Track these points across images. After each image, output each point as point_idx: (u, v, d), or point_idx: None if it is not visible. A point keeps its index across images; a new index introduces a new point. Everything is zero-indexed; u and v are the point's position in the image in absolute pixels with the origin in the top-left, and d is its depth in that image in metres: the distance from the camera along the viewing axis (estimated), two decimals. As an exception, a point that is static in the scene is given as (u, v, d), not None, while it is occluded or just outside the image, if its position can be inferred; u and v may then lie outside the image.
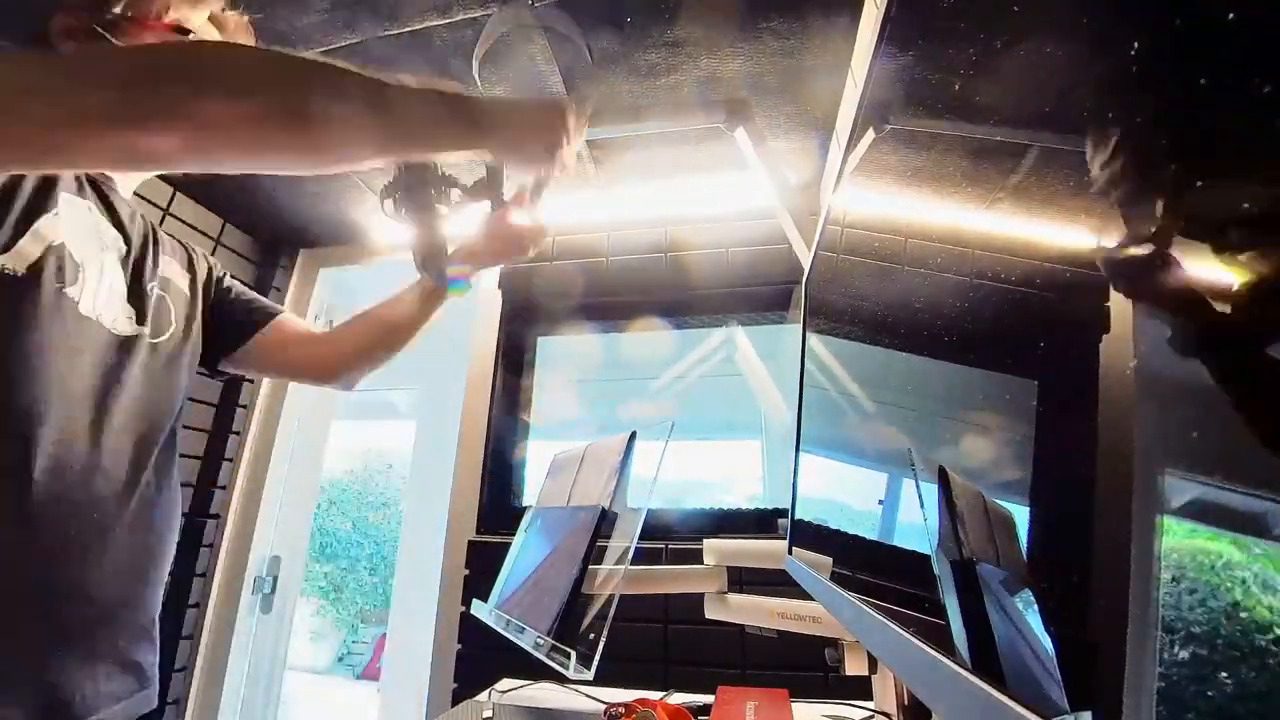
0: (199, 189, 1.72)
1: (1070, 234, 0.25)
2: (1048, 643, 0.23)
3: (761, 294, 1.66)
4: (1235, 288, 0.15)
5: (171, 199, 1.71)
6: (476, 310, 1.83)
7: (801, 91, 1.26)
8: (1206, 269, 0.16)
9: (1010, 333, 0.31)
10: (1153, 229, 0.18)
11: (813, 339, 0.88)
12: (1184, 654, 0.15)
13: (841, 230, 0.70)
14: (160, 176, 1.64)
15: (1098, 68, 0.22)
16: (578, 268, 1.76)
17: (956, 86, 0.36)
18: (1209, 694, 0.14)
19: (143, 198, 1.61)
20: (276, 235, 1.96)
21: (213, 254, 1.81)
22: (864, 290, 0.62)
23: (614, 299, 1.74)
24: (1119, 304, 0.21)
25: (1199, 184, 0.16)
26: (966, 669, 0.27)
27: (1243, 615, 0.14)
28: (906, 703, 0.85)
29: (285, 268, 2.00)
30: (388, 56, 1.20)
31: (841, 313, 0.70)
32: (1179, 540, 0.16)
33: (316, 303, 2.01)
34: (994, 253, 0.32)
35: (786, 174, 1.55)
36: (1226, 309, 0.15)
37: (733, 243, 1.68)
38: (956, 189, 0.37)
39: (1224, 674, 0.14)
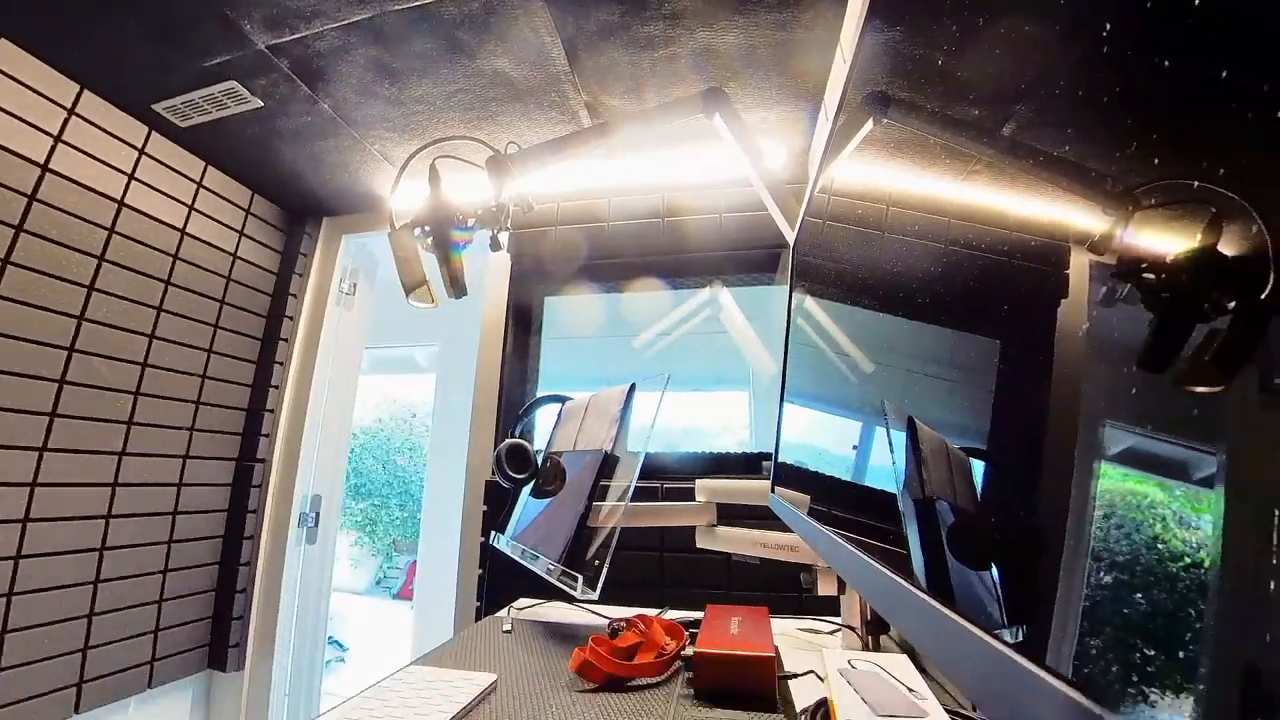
0: (228, 162, 1.68)
1: (1038, 206, 0.24)
2: (993, 569, 0.24)
3: (751, 257, 1.64)
4: (1172, 261, 0.15)
5: (204, 172, 1.67)
6: (488, 272, 1.81)
7: (793, 63, 1.21)
8: (1152, 244, 0.16)
9: (978, 296, 0.31)
10: (1112, 204, 0.18)
11: (798, 299, 0.87)
12: (1108, 578, 0.16)
13: (829, 198, 0.68)
14: (191, 150, 1.61)
15: (1071, 46, 0.22)
16: (580, 232, 1.73)
17: (939, 62, 0.34)
18: (1125, 612, 0.15)
19: (177, 171, 1.59)
20: (301, 205, 1.91)
21: (244, 223, 1.80)
22: (846, 255, 0.61)
23: (614, 261, 1.71)
24: (1078, 272, 0.21)
25: (1155, 162, 0.16)
26: (922, 590, 0.28)
27: (1160, 546, 0.14)
28: (869, 618, 0.89)
29: (311, 235, 1.97)
30: (397, 30, 1.15)
31: (825, 275, 0.70)
32: (1113, 483, 0.17)
33: (340, 267, 1.99)
34: (967, 221, 0.32)
35: (775, 147, 1.51)
36: (1166, 280, 0.15)
37: (726, 208, 1.64)
38: (936, 161, 0.37)
39: (1139, 595, 0.15)
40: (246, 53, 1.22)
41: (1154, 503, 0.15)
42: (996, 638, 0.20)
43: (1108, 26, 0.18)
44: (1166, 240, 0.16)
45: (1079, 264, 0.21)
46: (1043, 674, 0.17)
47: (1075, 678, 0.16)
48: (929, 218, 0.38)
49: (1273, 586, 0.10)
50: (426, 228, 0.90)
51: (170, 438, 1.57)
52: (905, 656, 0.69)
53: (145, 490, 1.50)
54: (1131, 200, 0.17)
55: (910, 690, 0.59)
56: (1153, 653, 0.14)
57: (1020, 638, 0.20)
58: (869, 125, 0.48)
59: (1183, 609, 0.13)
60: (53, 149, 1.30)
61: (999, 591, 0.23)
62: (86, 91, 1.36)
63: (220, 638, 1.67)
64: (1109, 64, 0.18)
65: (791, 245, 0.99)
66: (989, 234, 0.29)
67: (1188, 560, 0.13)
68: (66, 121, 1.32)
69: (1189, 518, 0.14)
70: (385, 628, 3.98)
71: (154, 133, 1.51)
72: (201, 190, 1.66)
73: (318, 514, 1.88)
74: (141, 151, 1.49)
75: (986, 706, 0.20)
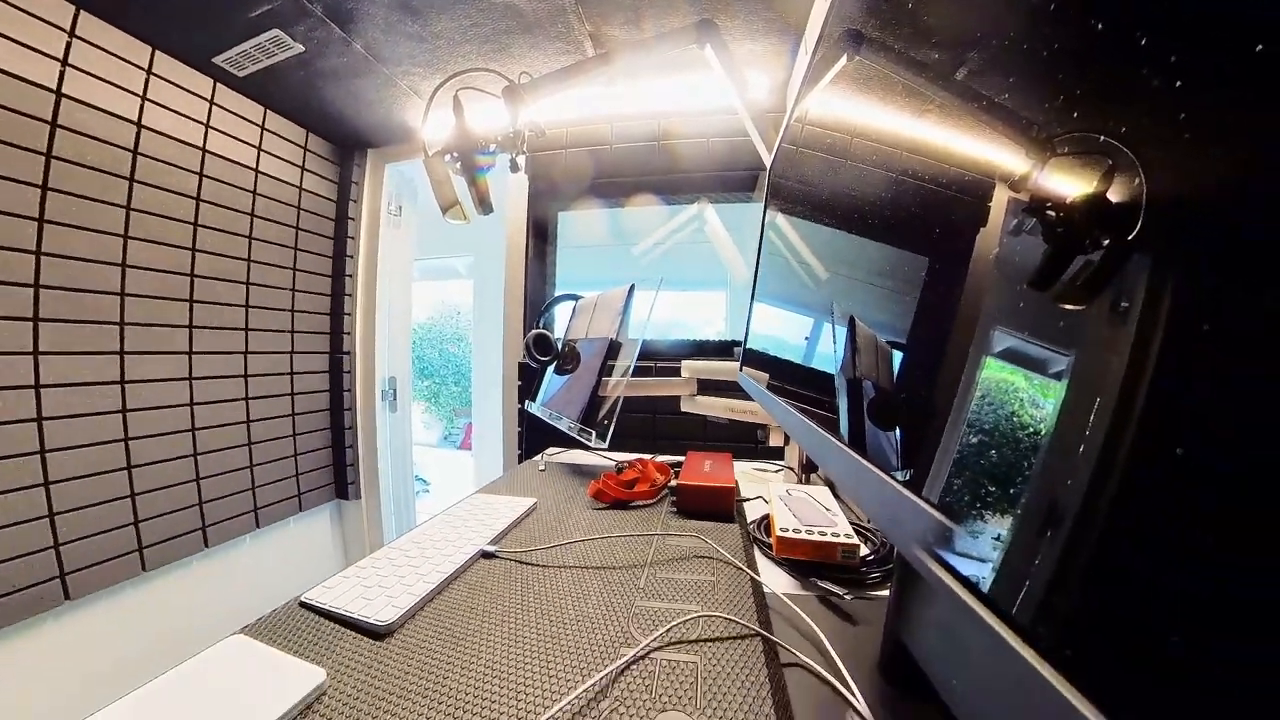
0: (283, 105, 1.51)
1: (975, 145, 0.23)
2: (896, 430, 0.27)
3: (734, 178, 1.53)
4: (1069, 203, 0.15)
5: (264, 116, 1.51)
6: (509, 192, 1.70)
7: (778, -7, 1.03)
8: (1058, 186, 0.16)
9: (917, 220, 0.30)
10: (1034, 149, 0.17)
11: (771, 216, 0.83)
12: (975, 439, 0.18)
13: (802, 127, 0.62)
14: (253, 98, 1.44)
15: (1018, 2, 0.19)
16: (587, 154, 1.60)
17: (909, 4, 0.30)
18: (981, 462, 0.17)
19: (243, 117, 1.43)
20: (348, 139, 1.74)
21: (304, 159, 1.66)
22: (813, 178, 0.57)
23: (616, 180, 1.60)
24: (997, 206, 0.20)
25: (1075, 115, 0.15)
26: (843, 443, 0.31)
27: (1014, 419, 0.16)
28: (804, 462, 0.97)
29: (359, 166, 1.82)
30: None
31: (795, 196, 0.66)
32: (992, 373, 0.18)
33: (386, 192, 1.86)
34: (915, 155, 0.30)
35: (759, 78, 1.34)
36: (1062, 218, 0.15)
37: (713, 134, 1.50)
38: (897, 98, 0.33)
39: (993, 451, 0.17)
40: (283, 0, 1.04)
41: (1017, 388, 0.16)
42: (891, 477, 0.23)
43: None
44: (1069, 184, 0.15)
45: (1000, 199, 0.20)
46: (918, 500, 0.19)
47: (939, 503, 0.18)
48: (885, 149, 0.35)
49: (1081, 449, 0.12)
50: (455, 154, 0.83)
51: (278, 339, 1.60)
52: (827, 488, 0.77)
53: (268, 378, 1.57)
54: (1049, 147, 0.16)
55: (827, 509, 0.66)
56: (994, 489, 0.16)
57: (907, 477, 0.23)
58: (843, 61, 0.42)
59: (1019, 462, 0.15)
60: (142, 107, 1.18)
61: (898, 446, 0.26)
62: (157, 51, 1.20)
63: (341, 478, 1.83)
64: (1049, 21, 0.16)
65: (768, 168, 0.92)
66: (932, 167, 0.28)
67: (1030, 430, 0.15)
68: (148, 81, 1.19)
69: (1039, 400, 0.15)
70: (454, 469, 4.31)
71: (218, 84, 1.35)
72: (265, 133, 1.52)
73: (395, 390, 1.96)
74: (211, 102, 1.35)
75: (879, 521, 0.23)
